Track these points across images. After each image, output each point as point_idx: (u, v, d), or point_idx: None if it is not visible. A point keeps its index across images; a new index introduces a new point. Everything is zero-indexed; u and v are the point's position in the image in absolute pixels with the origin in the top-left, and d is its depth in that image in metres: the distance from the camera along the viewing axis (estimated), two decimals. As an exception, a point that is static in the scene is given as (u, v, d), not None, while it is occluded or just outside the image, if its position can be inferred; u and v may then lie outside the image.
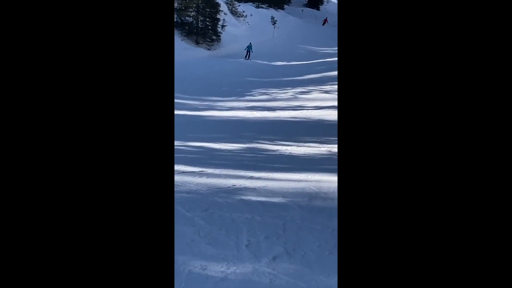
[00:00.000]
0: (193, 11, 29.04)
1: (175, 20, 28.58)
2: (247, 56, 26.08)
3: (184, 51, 26.37)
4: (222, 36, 30.16)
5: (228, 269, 4.47)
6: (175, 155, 8.46)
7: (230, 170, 8.21)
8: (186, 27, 28.69)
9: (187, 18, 28.89)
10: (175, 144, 11.00)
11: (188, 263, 4.51)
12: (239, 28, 33.21)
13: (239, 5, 35.48)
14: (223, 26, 30.28)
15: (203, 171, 8.16)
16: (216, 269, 4.46)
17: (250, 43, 26.45)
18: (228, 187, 7.18)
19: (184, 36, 28.41)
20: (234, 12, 34.76)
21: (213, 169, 8.23)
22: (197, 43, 28.48)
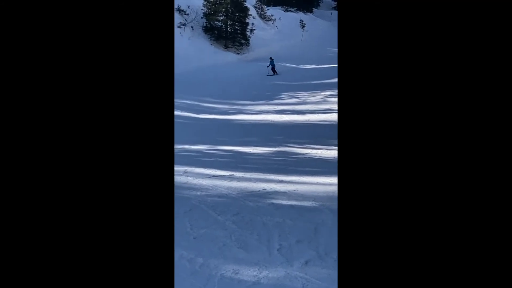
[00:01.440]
0: (222, 16, 29.24)
1: (204, 25, 28.83)
2: (274, 71, 23.48)
3: (214, 56, 26.57)
4: (251, 40, 30.26)
5: (260, 273, 4.47)
6: (205, 159, 8.54)
7: (260, 173, 8.21)
8: (215, 32, 28.90)
9: (216, 22, 29.10)
10: (205, 148, 11.12)
11: (220, 267, 4.52)
12: (268, 32, 33.27)
13: (267, 9, 35.56)
14: (252, 30, 30.39)
15: (233, 174, 8.18)
16: (248, 273, 4.46)
17: (271, 58, 23.89)
18: (259, 190, 7.18)
19: (214, 40, 28.62)
20: (262, 16, 34.84)
21: (243, 173, 8.25)
22: (226, 47, 28.65)
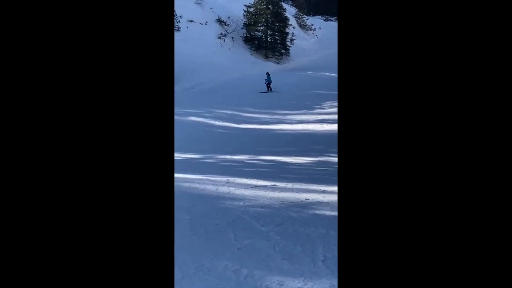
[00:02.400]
0: (262, 26, 29.43)
1: (244, 35, 29.07)
2: (268, 88, 22.10)
3: (253, 66, 26.74)
4: (291, 50, 30.31)
5: (305, 284, 4.44)
6: (247, 169, 8.57)
7: (302, 184, 8.18)
8: (256, 42, 29.11)
9: (256, 33, 29.31)
10: (246, 158, 11.17)
11: (265, 278, 4.53)
12: (308, 41, 33.25)
13: (307, 19, 35.58)
14: (292, 40, 30.46)
15: (275, 185, 8.19)
16: (294, 284, 4.44)
17: (268, 73, 22.68)
18: (301, 201, 7.16)
19: (254, 50, 28.82)
20: (302, 26, 34.87)
21: (285, 183, 8.24)
22: (266, 57, 28.80)
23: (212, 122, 17.62)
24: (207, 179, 8.80)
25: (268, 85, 22.03)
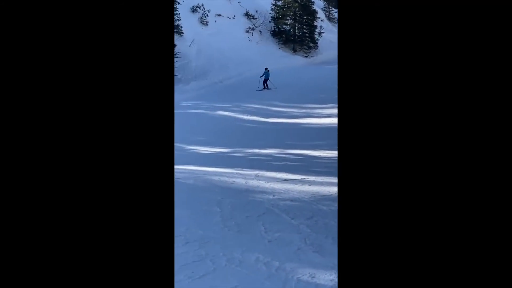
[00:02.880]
0: (290, 19, 29.30)
1: (272, 29, 29.00)
2: (265, 85, 21.12)
3: (281, 59, 26.67)
4: (319, 43, 30.11)
5: (336, 277, 4.43)
6: (276, 162, 8.58)
7: (332, 177, 8.14)
8: (284, 36, 29.00)
9: (284, 26, 29.20)
10: (275, 151, 11.17)
11: (296, 271, 4.53)
12: (336, 34, 32.94)
13: (336, 11, 35.22)
14: (320, 33, 30.23)
15: (304, 178, 8.17)
16: (325, 277, 4.44)
17: (266, 68, 21.51)
18: (331, 194, 7.13)
19: (282, 44, 28.72)
20: (331, 19, 34.57)
21: (314, 177, 8.22)
22: (294, 51, 28.68)
23: (240, 116, 17.66)
24: (237, 173, 8.84)
25: (265, 81, 21.12)
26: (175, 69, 23.02)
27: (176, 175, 8.10)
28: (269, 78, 20.99)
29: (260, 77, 21.15)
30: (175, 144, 9.91)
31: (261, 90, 20.73)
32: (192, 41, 24.82)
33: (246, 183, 8.02)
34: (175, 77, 22.64)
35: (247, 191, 7.50)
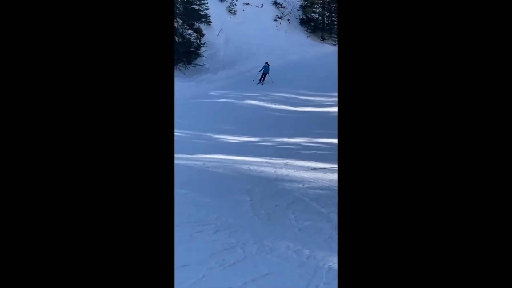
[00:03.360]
0: (318, 7, 29.00)
1: (300, 17, 28.77)
2: (262, 79, 20.70)
3: (310, 48, 26.46)
4: (348, 31, 29.69)
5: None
6: (305, 151, 8.55)
7: (362, 166, 8.07)
8: (312, 24, 28.74)
9: (312, 14, 28.93)
10: (304, 140, 11.14)
11: (327, 259, 4.52)
12: (365, 22, 32.46)
13: (364, -2, 34.69)
14: (348, 21, 29.82)
15: (334, 167, 8.12)
16: (356, 266, 4.41)
17: (267, 63, 20.99)
18: (361, 184, 7.06)
19: (310, 32, 28.48)
20: (359, 6, 34.05)
21: (344, 166, 8.15)
22: (322, 39, 28.40)
23: (269, 105, 17.63)
24: (265, 162, 8.85)
25: (264, 75, 20.75)
26: (204, 58, 23.10)
27: (205, 164, 8.20)
28: (269, 72, 20.63)
29: (259, 71, 20.83)
30: (203, 134, 10.07)
31: (258, 83, 20.50)
32: (220, 31, 24.83)
33: (275, 172, 8.02)
34: (203, 66, 22.73)
35: (277, 180, 7.50)
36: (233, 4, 27.05)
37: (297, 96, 17.36)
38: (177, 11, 22.11)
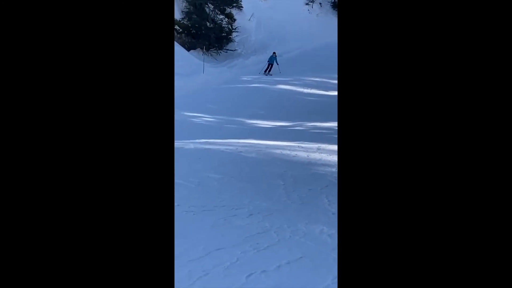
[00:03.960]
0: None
1: (332, 1, 28.37)
2: (268, 70, 20.34)
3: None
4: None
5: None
6: (337, 136, 8.47)
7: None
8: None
9: None
10: (336, 125, 11.00)
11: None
12: (399, 3, 31.80)
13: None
14: (382, 3, 29.29)
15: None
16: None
17: (274, 53, 20.70)
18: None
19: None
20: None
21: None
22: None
23: (301, 89, 17.54)
24: (298, 146, 8.81)
25: (270, 66, 20.32)
26: (235, 43, 23.07)
27: (237, 148, 8.22)
28: (277, 63, 20.15)
29: (268, 61, 20.43)
30: (236, 119, 10.14)
31: (264, 74, 20.12)
32: (252, 15, 24.72)
33: (308, 156, 7.97)
34: (235, 51, 22.71)
35: (310, 164, 7.46)
36: (264, -12, 26.87)
37: (329, 80, 17.19)
38: (208, -4, 22.11)
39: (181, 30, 22.49)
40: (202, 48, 21.60)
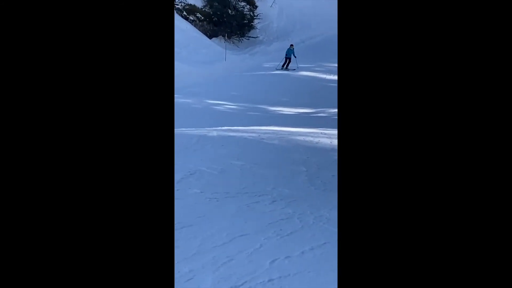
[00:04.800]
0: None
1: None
2: (285, 65, 18.87)
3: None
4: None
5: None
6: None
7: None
8: None
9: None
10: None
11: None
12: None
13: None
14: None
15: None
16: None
17: (292, 45, 19.34)
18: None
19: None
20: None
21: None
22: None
23: (323, 76, 17.42)
24: (321, 133, 8.77)
25: (288, 60, 18.84)
26: (257, 30, 22.98)
27: (260, 135, 8.23)
28: (294, 56, 18.66)
29: (286, 55, 18.92)
30: (258, 106, 10.12)
31: (280, 69, 18.79)
32: (273, 2, 24.55)
33: (331, 142, 7.94)
34: (257, 38, 22.62)
35: (332, 151, 7.42)
36: (286, -26, 26.62)
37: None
38: (230, -16, 22.03)
39: (202, 18, 22.48)
40: (224, 36, 21.56)
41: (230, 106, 14.09)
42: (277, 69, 18.82)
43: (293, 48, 18.96)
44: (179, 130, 7.79)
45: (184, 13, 22.11)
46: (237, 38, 22.34)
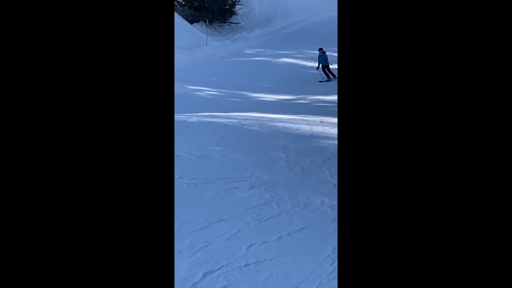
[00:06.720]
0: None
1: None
2: (329, 74, 15.38)
3: (347, 3, 25.74)
4: None
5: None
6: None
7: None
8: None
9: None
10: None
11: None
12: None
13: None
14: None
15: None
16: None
17: (322, 50, 15.83)
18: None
19: None
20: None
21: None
22: (360, -6, 27.58)
23: (305, 63, 17.40)
24: (301, 119, 8.78)
25: (325, 68, 15.52)
26: (238, 16, 22.83)
27: (240, 121, 8.22)
28: (327, 62, 15.60)
29: (317, 68, 15.70)
30: (239, 92, 10.07)
31: (325, 81, 15.37)
32: (255, -13, 24.35)
33: (310, 129, 7.96)
34: (238, 24, 22.48)
35: (312, 137, 7.45)
36: (268, -41, 26.42)
37: (333, 54, 16.99)
38: (211, -32, 21.79)
39: (183, 2, 22.24)
40: (205, 21, 21.37)
41: (210, 92, 14.02)
42: (319, 82, 15.35)
43: (324, 53, 15.71)
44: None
45: (165, -3, 21.76)
46: (219, 24, 22.15)
